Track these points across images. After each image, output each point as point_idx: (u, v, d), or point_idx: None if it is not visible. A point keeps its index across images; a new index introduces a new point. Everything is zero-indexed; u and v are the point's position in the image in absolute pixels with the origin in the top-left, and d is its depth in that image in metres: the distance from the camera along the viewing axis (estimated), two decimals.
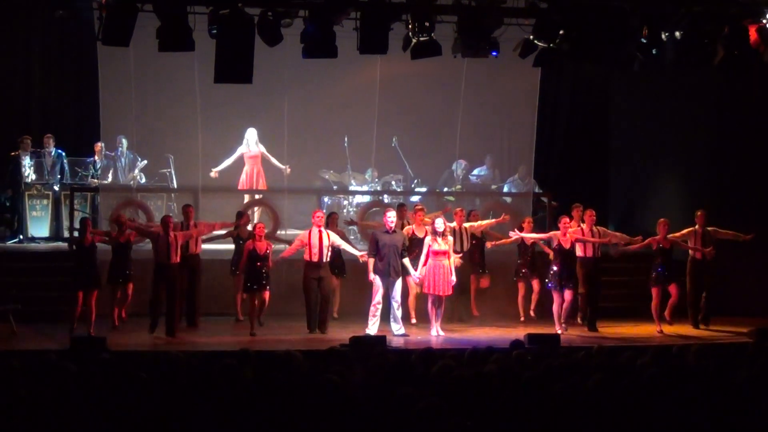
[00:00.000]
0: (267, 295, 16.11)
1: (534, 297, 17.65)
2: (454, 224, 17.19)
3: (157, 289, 15.79)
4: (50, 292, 16.72)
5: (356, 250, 16.51)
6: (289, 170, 20.20)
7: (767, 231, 18.74)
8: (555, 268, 16.64)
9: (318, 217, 16.37)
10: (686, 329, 17.10)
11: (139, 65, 18.21)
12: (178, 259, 15.86)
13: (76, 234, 16.38)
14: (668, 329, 16.86)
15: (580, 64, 20.09)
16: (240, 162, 20.49)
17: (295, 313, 16.58)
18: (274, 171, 20.29)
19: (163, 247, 15.70)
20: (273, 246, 16.59)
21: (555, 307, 16.62)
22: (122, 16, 14.61)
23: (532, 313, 17.40)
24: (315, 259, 16.17)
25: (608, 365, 9.70)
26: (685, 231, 17.31)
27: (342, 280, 17.37)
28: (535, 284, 17.56)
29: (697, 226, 17.33)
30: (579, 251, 16.73)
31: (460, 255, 17.00)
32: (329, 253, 16.28)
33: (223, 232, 17.33)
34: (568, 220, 16.72)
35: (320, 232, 16.23)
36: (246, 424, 7.46)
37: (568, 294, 16.55)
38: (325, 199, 20.69)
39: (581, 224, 16.91)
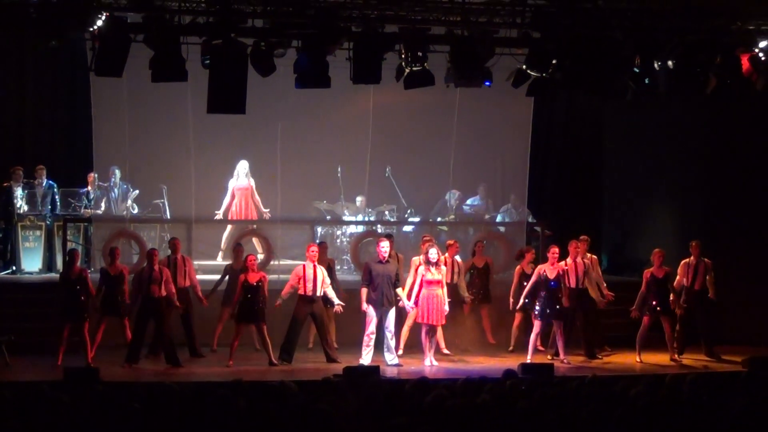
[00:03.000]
0: (264, 329, 16.03)
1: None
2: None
3: (141, 323, 15.79)
4: (44, 324, 16.58)
5: (336, 298, 16.28)
6: (267, 216, 20.30)
7: (761, 260, 18.81)
8: (541, 297, 16.56)
9: (312, 251, 16.34)
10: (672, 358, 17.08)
11: (132, 96, 18.21)
12: (163, 293, 15.81)
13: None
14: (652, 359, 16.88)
15: (573, 93, 20.12)
16: (232, 193, 20.50)
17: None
18: (266, 201, 20.27)
19: (147, 281, 15.69)
20: (267, 276, 16.51)
21: (532, 336, 16.56)
22: (115, 46, 14.65)
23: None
24: (309, 293, 16.16)
25: (602, 395, 9.68)
26: (680, 266, 17.37)
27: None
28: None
29: (691, 257, 17.31)
30: (565, 281, 16.68)
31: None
32: (323, 288, 16.27)
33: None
34: (556, 249, 16.66)
35: (314, 266, 16.20)
36: None
37: (556, 324, 16.49)
38: (319, 230, 20.67)
39: (578, 258, 16.86)
